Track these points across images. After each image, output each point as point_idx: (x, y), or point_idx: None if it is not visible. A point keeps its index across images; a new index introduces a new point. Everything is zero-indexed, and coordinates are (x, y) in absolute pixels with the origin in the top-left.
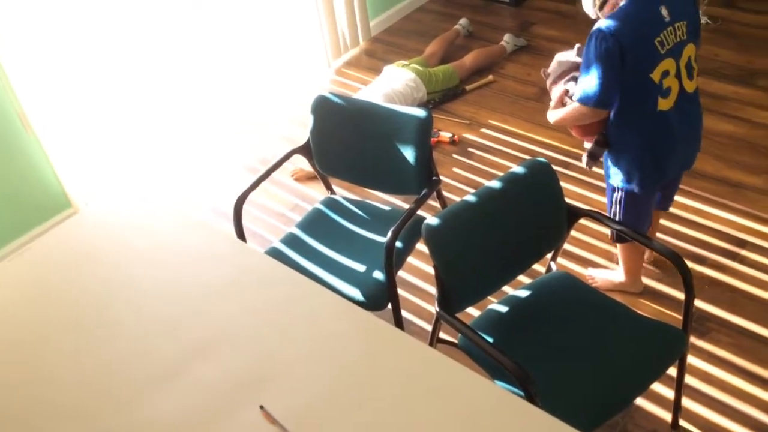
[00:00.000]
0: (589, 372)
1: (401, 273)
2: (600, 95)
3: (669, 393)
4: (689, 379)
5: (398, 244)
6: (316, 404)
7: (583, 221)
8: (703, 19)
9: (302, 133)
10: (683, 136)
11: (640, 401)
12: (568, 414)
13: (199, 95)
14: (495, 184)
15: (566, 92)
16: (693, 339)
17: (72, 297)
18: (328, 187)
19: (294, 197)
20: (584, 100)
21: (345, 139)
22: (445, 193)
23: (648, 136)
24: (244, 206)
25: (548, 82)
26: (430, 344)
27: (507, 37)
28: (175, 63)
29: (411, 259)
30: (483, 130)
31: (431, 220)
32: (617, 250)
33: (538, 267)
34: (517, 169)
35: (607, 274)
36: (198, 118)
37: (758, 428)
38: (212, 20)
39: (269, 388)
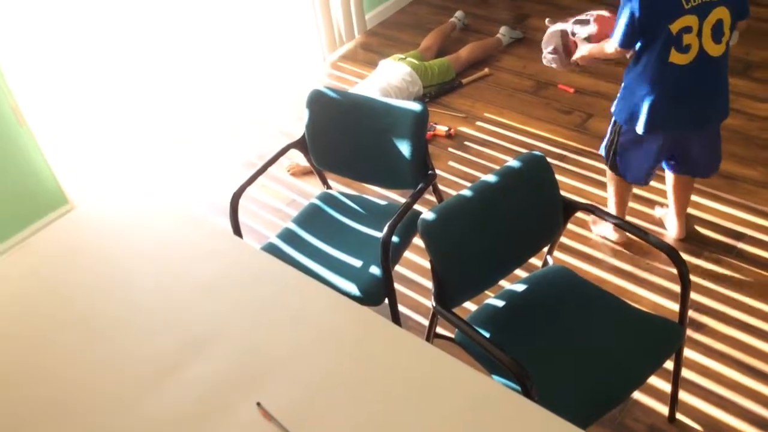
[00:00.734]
0: (586, 366)
1: (398, 268)
2: (622, 37)
3: (666, 387)
4: (686, 373)
5: (394, 238)
6: (313, 400)
7: (579, 214)
8: None
9: (298, 128)
10: (692, 95)
11: (637, 395)
12: (565, 408)
13: (195, 90)
14: (491, 177)
15: (571, 33)
16: (689, 332)
17: (68, 294)
18: (324, 182)
19: (290, 192)
20: (615, 40)
21: (340, 134)
22: (441, 187)
23: (654, 82)
24: (241, 201)
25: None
26: (427, 339)
27: (503, 29)
28: (171, 57)
29: (407, 254)
30: (479, 123)
31: (427, 214)
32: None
33: (535, 261)
34: (513, 162)
35: (600, 227)
36: (194, 113)
37: (755, 421)
38: (208, 14)
39: (266, 384)
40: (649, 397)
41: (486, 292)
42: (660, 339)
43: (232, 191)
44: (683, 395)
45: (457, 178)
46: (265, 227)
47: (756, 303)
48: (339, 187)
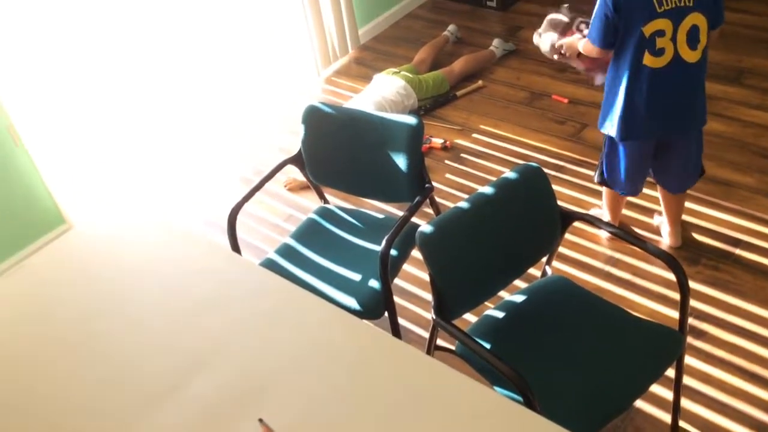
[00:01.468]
0: (588, 376)
1: (397, 281)
2: (599, 37)
3: (668, 394)
4: (688, 380)
5: (393, 252)
6: (315, 415)
7: (577, 224)
8: None
9: (294, 143)
10: (667, 100)
11: (639, 403)
12: (567, 419)
13: (190, 106)
14: (488, 189)
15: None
16: (690, 339)
17: (66, 314)
18: (322, 197)
19: (288, 207)
20: (590, 39)
21: (337, 148)
22: (438, 200)
23: (628, 86)
24: (238, 217)
25: (536, 37)
26: (428, 352)
27: (495, 41)
28: (166, 73)
29: (406, 267)
30: (474, 135)
31: (425, 227)
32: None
33: (534, 271)
34: (510, 174)
35: (596, 213)
36: (190, 129)
37: (758, 427)
38: (203, 29)
39: (267, 400)
40: (652, 405)
41: (486, 303)
42: (661, 347)
43: (230, 207)
44: (685, 403)
45: (454, 190)
46: (263, 243)
47: (755, 309)
48: (336, 201)
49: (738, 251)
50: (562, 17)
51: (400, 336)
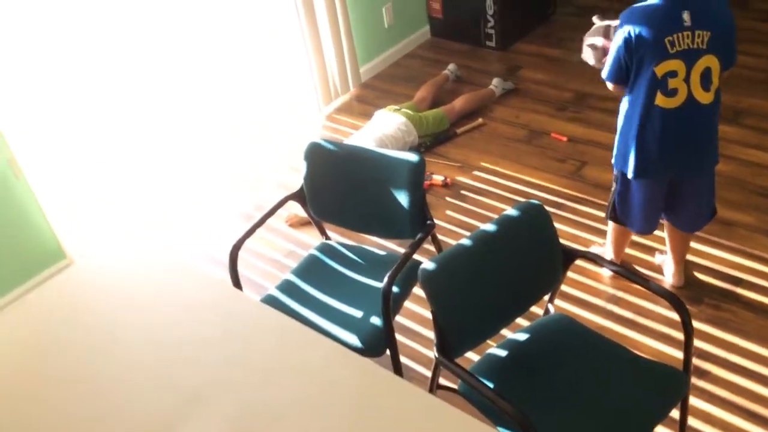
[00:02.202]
0: (591, 416)
1: (399, 318)
2: (611, 73)
3: None
4: (692, 421)
5: (395, 288)
6: None
7: (579, 262)
8: None
9: (296, 179)
10: (680, 140)
11: None
12: None
13: (192, 143)
14: (489, 227)
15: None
16: (693, 379)
17: (66, 350)
18: (323, 233)
19: (289, 243)
20: (603, 73)
21: (338, 185)
22: (439, 236)
23: (642, 125)
24: (239, 253)
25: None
26: (430, 391)
27: (495, 81)
28: (170, 109)
29: (408, 304)
30: (475, 172)
31: (427, 264)
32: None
33: (536, 309)
34: (511, 211)
35: (596, 250)
36: (192, 165)
37: None
38: (205, 67)
39: None
40: None
41: (488, 341)
42: (665, 387)
43: (231, 243)
44: None
45: (455, 227)
46: (263, 279)
47: (757, 348)
48: (338, 237)
49: (739, 290)
50: (599, 23)
51: (402, 374)
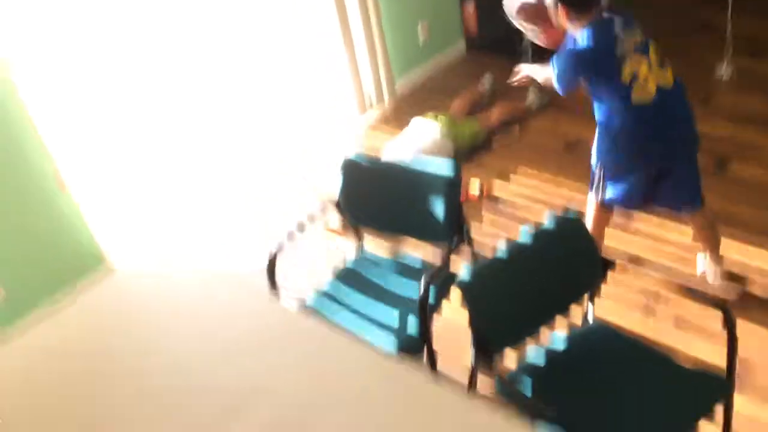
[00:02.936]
0: (632, 423)
1: (434, 325)
2: (564, 87)
3: None
4: (737, 426)
5: (431, 296)
6: None
7: (618, 269)
8: (729, 71)
9: (333, 188)
10: (662, 126)
11: None
12: None
13: (232, 150)
14: (526, 237)
15: None
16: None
17: (107, 355)
18: (360, 240)
19: (326, 251)
20: (555, 80)
21: (375, 195)
22: (475, 246)
23: (624, 124)
24: (277, 260)
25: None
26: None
27: (531, 93)
28: (209, 118)
29: (444, 312)
30: (511, 182)
31: (464, 273)
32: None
33: (575, 317)
34: (549, 222)
35: None
36: (231, 173)
37: None
38: (245, 81)
39: None
40: None
41: (525, 348)
42: (708, 394)
43: (269, 250)
44: None
45: (492, 238)
46: (301, 286)
47: None
48: (375, 246)
49: None
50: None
51: (438, 380)
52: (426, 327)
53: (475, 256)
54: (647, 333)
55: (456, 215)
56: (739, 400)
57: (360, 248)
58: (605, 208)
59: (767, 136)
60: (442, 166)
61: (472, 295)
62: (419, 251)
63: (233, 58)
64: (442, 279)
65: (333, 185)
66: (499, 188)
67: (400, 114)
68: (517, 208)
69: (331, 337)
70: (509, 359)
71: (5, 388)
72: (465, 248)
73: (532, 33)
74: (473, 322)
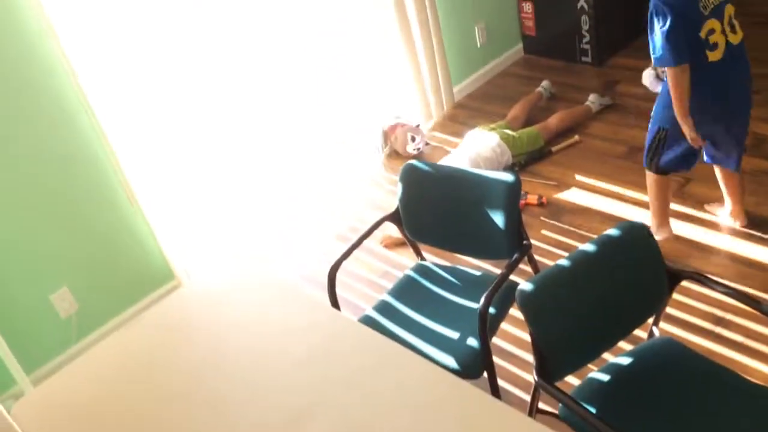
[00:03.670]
0: None
1: (495, 340)
2: (674, 56)
3: None
4: None
5: (492, 309)
6: None
7: (685, 283)
8: None
9: (389, 200)
10: (733, 82)
11: None
12: None
13: (291, 165)
14: (589, 247)
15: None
16: None
17: (174, 367)
18: (418, 254)
19: (384, 264)
20: (667, 62)
21: (434, 206)
22: (536, 257)
23: (702, 83)
24: (336, 274)
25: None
26: (530, 415)
27: (592, 97)
28: (269, 130)
29: (505, 325)
30: (571, 191)
31: (525, 285)
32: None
33: (640, 332)
34: (612, 231)
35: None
36: (290, 186)
37: None
38: (304, 89)
39: None
40: None
41: (589, 365)
42: None
43: (327, 263)
44: None
45: (552, 247)
46: (360, 299)
47: None
48: (433, 258)
49: None
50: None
51: (500, 397)
52: (486, 341)
53: (535, 266)
54: (716, 348)
55: (516, 223)
56: None
57: (418, 260)
58: (663, 173)
59: None
60: (501, 174)
61: (533, 307)
62: (479, 260)
63: (295, 67)
64: (503, 290)
65: (391, 198)
66: (558, 195)
67: (457, 122)
68: (577, 214)
69: (391, 350)
70: (573, 373)
71: (76, 400)
72: (525, 258)
73: None
74: (535, 337)
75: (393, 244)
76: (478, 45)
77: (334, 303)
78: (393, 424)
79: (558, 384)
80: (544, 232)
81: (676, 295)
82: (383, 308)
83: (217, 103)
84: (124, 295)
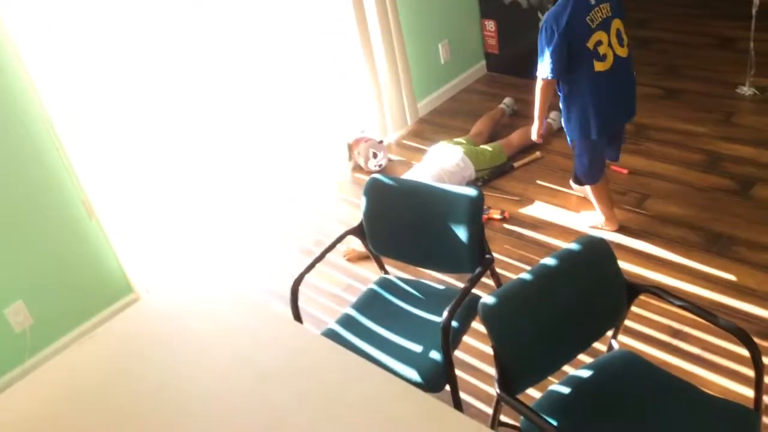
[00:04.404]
0: None
1: (458, 353)
2: (555, 69)
3: None
4: None
5: (454, 323)
6: None
7: (642, 296)
8: (750, 90)
9: (352, 214)
10: (620, 91)
11: None
12: None
13: (252, 177)
14: (550, 261)
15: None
16: (765, 418)
17: (132, 384)
18: (382, 267)
19: (347, 278)
20: (544, 74)
21: (397, 220)
22: (498, 271)
23: (591, 91)
24: (299, 287)
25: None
26: (492, 427)
27: (552, 114)
28: (230, 142)
29: (467, 339)
30: (533, 205)
31: (487, 298)
32: (580, 192)
33: (599, 345)
34: (573, 245)
35: (590, 217)
36: (251, 200)
37: None
38: (262, 100)
39: None
40: None
41: (550, 378)
42: (735, 427)
43: (290, 277)
44: None
45: (514, 261)
46: (322, 313)
47: None
48: (396, 272)
49: None
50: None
51: (462, 409)
52: (449, 354)
53: (498, 280)
54: (673, 361)
55: (479, 237)
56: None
57: (382, 273)
58: (591, 183)
59: None
60: (464, 189)
61: (495, 320)
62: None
63: (260, 81)
64: (466, 304)
65: (354, 212)
66: (520, 210)
67: (421, 137)
68: (539, 229)
69: (354, 364)
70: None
71: (31, 415)
72: (488, 271)
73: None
74: (497, 350)
75: (356, 258)
76: (442, 61)
77: (297, 316)
78: None
79: (519, 397)
80: (506, 246)
81: (634, 309)
82: (346, 322)
83: (179, 115)
84: (81, 309)
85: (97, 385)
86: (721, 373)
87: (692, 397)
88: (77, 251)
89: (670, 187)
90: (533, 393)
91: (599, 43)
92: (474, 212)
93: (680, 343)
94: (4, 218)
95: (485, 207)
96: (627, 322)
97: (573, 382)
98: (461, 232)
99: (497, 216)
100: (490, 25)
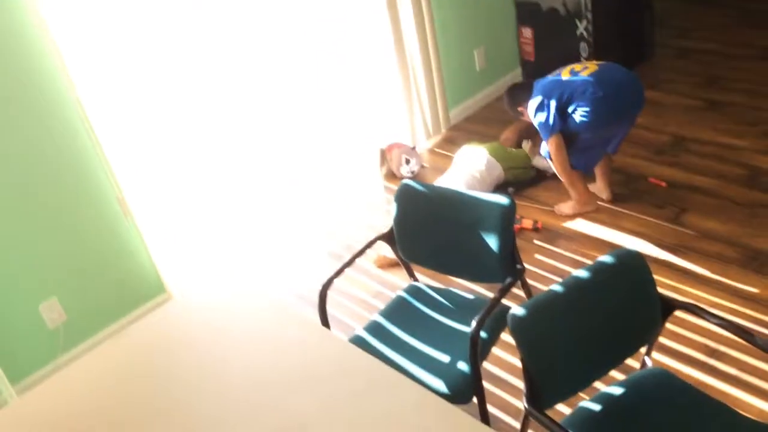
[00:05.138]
0: None
1: (486, 364)
2: (555, 129)
3: None
4: None
5: (483, 334)
6: None
7: (678, 313)
8: None
9: (385, 220)
10: (608, 96)
11: None
12: None
13: (286, 183)
14: (583, 273)
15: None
16: None
17: (162, 383)
18: (411, 275)
19: (376, 284)
20: (547, 138)
21: (428, 227)
22: (529, 281)
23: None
24: (328, 292)
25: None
26: None
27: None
28: (266, 148)
29: (495, 350)
30: (564, 215)
31: (517, 309)
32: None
33: (632, 362)
34: (607, 258)
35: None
36: (284, 205)
37: None
38: (300, 108)
39: None
40: None
41: (580, 394)
42: None
43: (320, 282)
44: None
45: (546, 272)
46: (351, 319)
47: None
48: (426, 279)
49: None
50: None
51: (489, 423)
52: (477, 366)
53: (528, 291)
54: (708, 381)
55: (510, 247)
56: None
57: (411, 281)
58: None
59: None
60: (496, 197)
61: (524, 332)
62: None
63: (295, 87)
64: (495, 315)
65: (385, 218)
66: (553, 220)
67: (454, 144)
68: (572, 240)
69: (381, 373)
70: (564, 401)
71: (59, 412)
72: (518, 282)
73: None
74: (526, 363)
75: (386, 264)
76: (477, 69)
77: (325, 322)
78: None
79: (548, 412)
80: (537, 256)
81: (669, 326)
82: (374, 329)
83: (215, 119)
84: (114, 307)
85: (124, 383)
86: (759, 395)
87: (728, 420)
88: (112, 249)
89: (709, 201)
90: (563, 409)
91: (573, 70)
92: (506, 221)
93: (716, 362)
94: (40, 216)
95: (517, 217)
96: (661, 339)
97: (604, 399)
98: (492, 241)
99: (530, 226)
100: (527, 32)
